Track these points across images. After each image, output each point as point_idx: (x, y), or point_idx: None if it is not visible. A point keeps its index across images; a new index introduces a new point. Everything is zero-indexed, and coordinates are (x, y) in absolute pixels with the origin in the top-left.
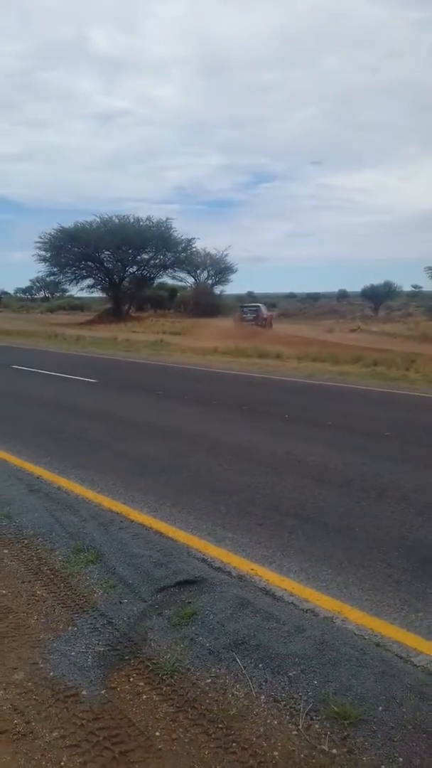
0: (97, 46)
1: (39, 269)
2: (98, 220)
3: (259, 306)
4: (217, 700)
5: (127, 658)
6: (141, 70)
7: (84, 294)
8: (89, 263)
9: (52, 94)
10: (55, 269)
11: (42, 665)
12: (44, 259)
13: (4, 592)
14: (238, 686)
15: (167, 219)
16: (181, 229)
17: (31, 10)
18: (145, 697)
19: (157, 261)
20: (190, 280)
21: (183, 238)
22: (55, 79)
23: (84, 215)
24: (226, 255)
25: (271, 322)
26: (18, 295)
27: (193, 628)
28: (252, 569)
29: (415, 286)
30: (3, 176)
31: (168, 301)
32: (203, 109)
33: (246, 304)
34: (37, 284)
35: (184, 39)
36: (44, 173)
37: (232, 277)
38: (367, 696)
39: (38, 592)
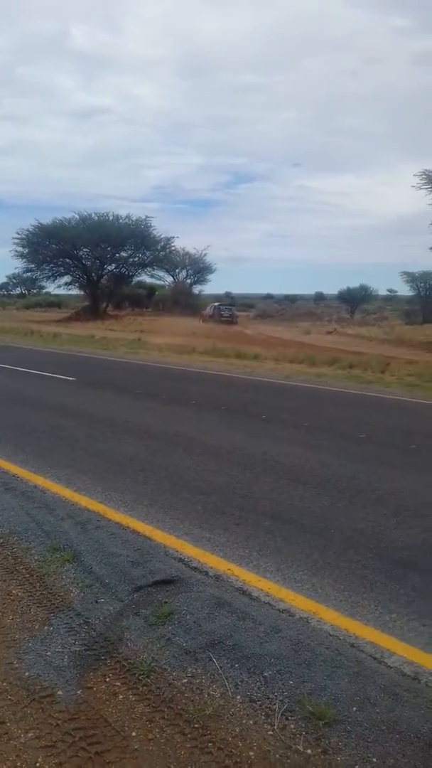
0: (78, 43)
1: (16, 265)
2: (77, 217)
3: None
4: (193, 700)
5: (103, 658)
6: (122, 68)
7: (61, 291)
8: (67, 260)
9: (32, 89)
10: (33, 266)
11: (17, 665)
12: (21, 255)
13: None
14: (214, 686)
15: (146, 217)
16: (161, 227)
17: (12, 5)
18: (121, 697)
19: (135, 259)
20: (169, 278)
21: (162, 236)
22: (36, 75)
23: (62, 212)
24: (205, 254)
25: (236, 320)
26: None
27: (170, 627)
28: (229, 569)
29: (390, 290)
30: None
31: (146, 300)
32: (184, 108)
33: (220, 304)
34: (14, 280)
35: (165, 38)
36: (23, 169)
37: (211, 276)
38: (341, 696)
39: (13, 592)
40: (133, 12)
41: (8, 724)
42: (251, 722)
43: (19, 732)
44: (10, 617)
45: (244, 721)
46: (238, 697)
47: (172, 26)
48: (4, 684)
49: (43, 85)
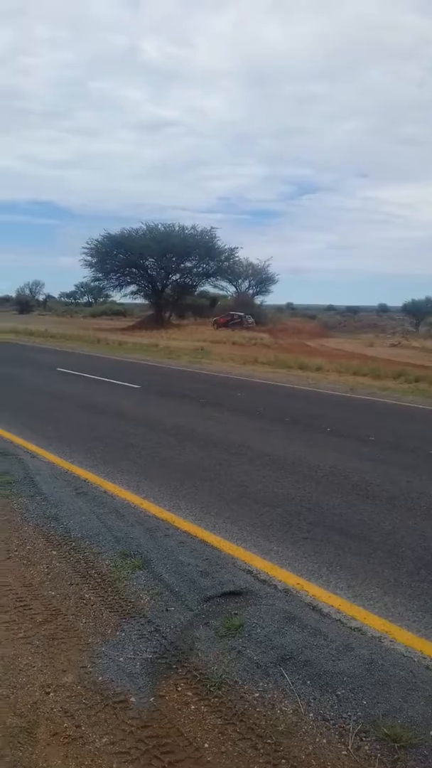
0: (147, 57)
1: (84, 274)
2: (144, 227)
3: (243, 314)
4: (265, 715)
5: (174, 666)
6: (190, 81)
7: (126, 300)
8: (133, 270)
9: (102, 103)
10: (100, 275)
11: (91, 669)
12: (90, 265)
13: (53, 593)
14: (286, 702)
15: (212, 228)
16: (224, 238)
17: (85, 22)
18: (193, 707)
19: (200, 269)
20: (231, 289)
21: (226, 247)
22: (107, 89)
23: (128, 222)
24: (267, 265)
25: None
26: (62, 299)
27: (240, 640)
28: (298, 583)
29: None
30: (52, 182)
31: (208, 310)
32: (249, 119)
33: (233, 312)
34: (82, 289)
35: (232, 51)
36: (91, 180)
37: (273, 287)
38: (417, 719)
39: (86, 596)
40: (202, 25)
41: (83, 728)
42: (324, 741)
43: (94, 736)
44: (83, 621)
45: (317, 740)
46: (311, 714)
47: (238, 38)
48: (79, 687)
49: (113, 98)
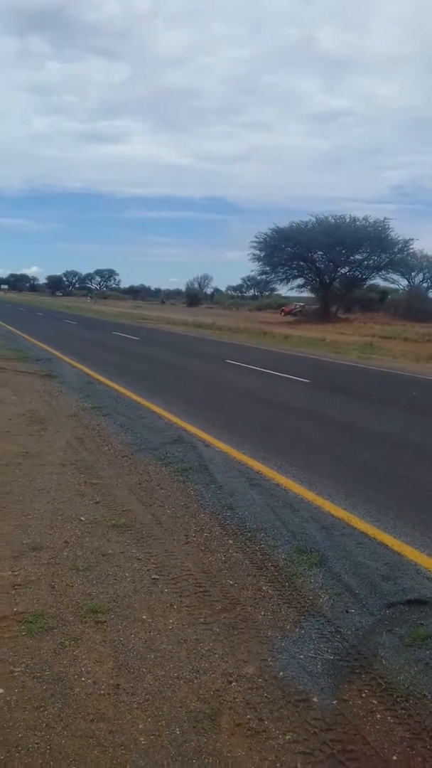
0: (321, 47)
1: (252, 268)
2: (314, 220)
3: (303, 305)
4: None
5: (357, 671)
6: (364, 68)
7: (293, 293)
8: (301, 263)
9: (274, 96)
10: (268, 268)
11: (271, 663)
12: (258, 258)
13: (231, 582)
14: None
15: (385, 219)
16: (398, 229)
17: (260, 16)
18: (379, 716)
19: (370, 262)
20: (404, 282)
21: (400, 239)
22: (278, 82)
23: (298, 215)
24: None
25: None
26: (229, 292)
27: (428, 652)
28: None
29: None
30: (221, 178)
31: (377, 304)
32: (427, 105)
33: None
34: (248, 282)
35: (410, 35)
36: (261, 174)
37: None
38: None
39: (264, 588)
40: (380, 10)
41: (266, 722)
42: None
43: (277, 732)
44: (262, 613)
45: None
46: None
47: (418, 20)
48: (260, 680)
49: (285, 91)
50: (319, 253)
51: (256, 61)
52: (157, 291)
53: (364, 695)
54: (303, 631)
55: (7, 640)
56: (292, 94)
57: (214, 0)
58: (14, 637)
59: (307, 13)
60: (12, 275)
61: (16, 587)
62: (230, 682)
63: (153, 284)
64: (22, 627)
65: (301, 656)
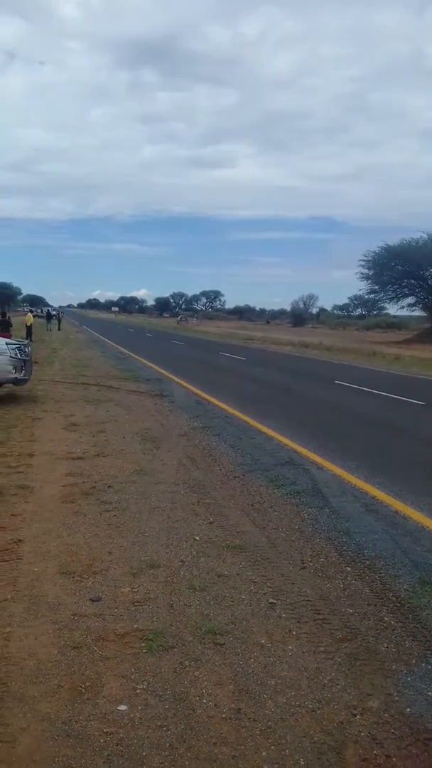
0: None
1: (360, 287)
2: (425, 236)
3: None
4: None
5: None
6: None
7: (403, 312)
8: (412, 281)
9: (382, 113)
10: (376, 287)
11: (397, 698)
12: (366, 277)
13: (350, 611)
14: None
15: None
16: None
17: (369, 33)
18: None
19: None
20: None
21: None
22: (387, 99)
23: (408, 233)
24: None
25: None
26: (335, 311)
27: None
28: None
29: None
30: (328, 197)
31: None
32: None
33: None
34: (355, 302)
35: None
36: (369, 192)
37: None
38: None
39: (385, 619)
40: None
41: (394, 760)
42: None
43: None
44: (385, 645)
45: None
46: None
47: None
48: (386, 715)
49: (393, 108)
50: (430, 270)
51: (365, 80)
52: (262, 311)
53: None
54: (430, 667)
55: (129, 656)
56: (402, 110)
57: (321, 20)
58: (135, 654)
59: (418, 28)
60: (122, 298)
61: (135, 604)
62: (354, 715)
63: (258, 304)
64: (143, 644)
65: (429, 693)
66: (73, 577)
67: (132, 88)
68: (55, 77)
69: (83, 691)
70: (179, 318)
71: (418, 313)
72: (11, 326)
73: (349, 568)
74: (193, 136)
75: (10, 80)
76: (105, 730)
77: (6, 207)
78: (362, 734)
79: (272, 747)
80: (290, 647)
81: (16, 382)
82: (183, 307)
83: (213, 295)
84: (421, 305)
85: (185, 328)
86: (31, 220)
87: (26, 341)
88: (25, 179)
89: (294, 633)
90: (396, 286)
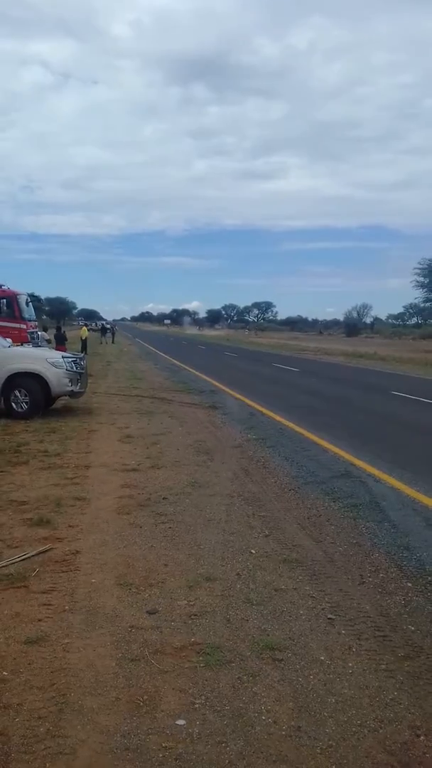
0: None
1: (415, 295)
2: None
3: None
4: None
5: None
6: None
7: None
8: None
9: None
10: None
11: None
12: (422, 285)
13: (412, 628)
14: None
15: None
16: None
17: (421, 38)
18: None
19: None
20: None
21: None
22: None
23: None
24: None
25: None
26: (389, 321)
27: None
28: None
29: None
30: (381, 205)
31: None
32: None
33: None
34: (410, 310)
35: None
36: (424, 199)
37: None
38: None
39: None
40: None
41: None
42: None
43: None
44: None
45: None
46: None
47: None
48: None
49: None
50: None
51: (417, 86)
52: (314, 322)
53: None
54: None
55: (186, 670)
56: None
57: (371, 28)
58: (193, 668)
59: None
60: (174, 310)
61: (192, 617)
62: (418, 736)
63: (310, 315)
64: (200, 658)
65: None
66: (130, 589)
67: (183, 104)
68: (108, 95)
69: (141, 704)
70: (197, 328)
71: None
72: (66, 340)
73: (409, 584)
74: (243, 149)
75: (65, 100)
76: (164, 744)
77: (62, 223)
78: (427, 755)
79: (333, 767)
80: (350, 664)
81: (72, 394)
82: (235, 318)
83: (265, 306)
84: None
85: (238, 340)
86: (85, 236)
87: (81, 354)
88: (80, 196)
89: (354, 650)
90: None
